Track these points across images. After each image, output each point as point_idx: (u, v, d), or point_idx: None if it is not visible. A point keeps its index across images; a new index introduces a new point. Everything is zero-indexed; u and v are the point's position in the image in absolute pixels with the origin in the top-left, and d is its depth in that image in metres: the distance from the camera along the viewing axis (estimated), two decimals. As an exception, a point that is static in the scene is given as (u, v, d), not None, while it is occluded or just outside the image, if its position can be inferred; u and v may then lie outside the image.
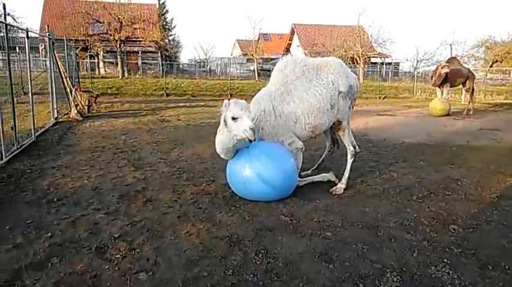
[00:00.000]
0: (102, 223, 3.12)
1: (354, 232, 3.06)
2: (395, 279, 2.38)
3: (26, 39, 6.39)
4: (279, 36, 50.63)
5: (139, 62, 33.78)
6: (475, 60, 33.60)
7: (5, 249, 2.65)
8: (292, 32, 44.25)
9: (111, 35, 25.58)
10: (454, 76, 11.70)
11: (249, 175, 3.45)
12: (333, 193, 3.91)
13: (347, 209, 3.52)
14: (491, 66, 30.12)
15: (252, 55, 32.13)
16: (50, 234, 2.88)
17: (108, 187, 4.07)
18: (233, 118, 3.28)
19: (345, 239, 2.91)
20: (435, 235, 3.02)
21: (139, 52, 33.36)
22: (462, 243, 2.87)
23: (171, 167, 4.92)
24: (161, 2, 46.75)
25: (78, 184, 4.14)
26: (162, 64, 31.05)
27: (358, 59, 30.80)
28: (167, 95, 18.16)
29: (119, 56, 26.46)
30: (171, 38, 48.36)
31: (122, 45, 26.40)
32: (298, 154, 3.85)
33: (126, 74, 26.75)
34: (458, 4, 76.05)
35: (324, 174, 4.17)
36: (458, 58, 21.78)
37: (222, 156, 3.64)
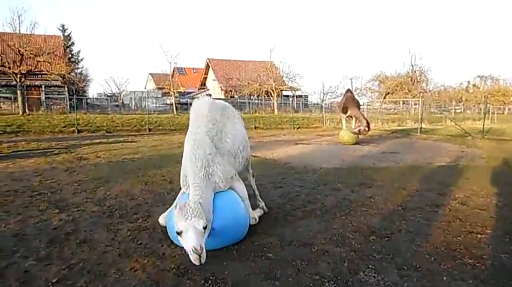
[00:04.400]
0: (34, 270, 2.90)
1: (291, 250, 3.34)
2: (332, 287, 2.69)
3: None
4: (194, 71, 51.43)
5: (43, 96, 31.14)
6: (371, 92, 38.38)
7: None
8: (207, 67, 45.41)
9: (9, 67, 23.36)
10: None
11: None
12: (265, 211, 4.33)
13: (282, 231, 3.81)
14: (384, 98, 34.63)
15: (169, 89, 32.00)
16: (-27, 288, 2.61)
17: (33, 232, 3.76)
18: (177, 233, 2.74)
19: (285, 258, 3.16)
20: (359, 245, 3.45)
21: (43, 86, 30.85)
22: (381, 250, 3.34)
23: (100, 206, 4.72)
24: (66, 34, 44.44)
25: (-6, 232, 3.75)
26: (70, 99, 29.11)
27: (271, 92, 32.79)
28: (79, 131, 17.07)
29: (19, 91, 24.13)
30: (78, 71, 45.88)
31: (23, 79, 24.24)
32: (240, 182, 3.91)
33: (27, 110, 24.40)
34: (356, 42, 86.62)
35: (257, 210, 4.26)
36: (358, 90, 24.58)
37: None
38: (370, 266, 3.02)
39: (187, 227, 2.60)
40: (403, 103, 35.19)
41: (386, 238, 3.64)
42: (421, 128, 17.68)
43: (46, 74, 25.33)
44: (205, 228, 2.71)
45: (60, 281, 2.74)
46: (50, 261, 3.07)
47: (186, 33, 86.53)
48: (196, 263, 2.60)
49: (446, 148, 11.76)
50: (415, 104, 30.61)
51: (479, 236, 3.71)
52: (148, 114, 21.46)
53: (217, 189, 3.49)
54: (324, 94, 38.80)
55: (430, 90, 40.25)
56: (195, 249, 2.53)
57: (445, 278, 2.82)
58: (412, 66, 39.15)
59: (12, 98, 27.49)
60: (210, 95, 37.56)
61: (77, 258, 3.13)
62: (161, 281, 2.75)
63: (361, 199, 5.11)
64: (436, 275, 2.87)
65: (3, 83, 26.92)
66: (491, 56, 74.08)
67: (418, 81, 38.47)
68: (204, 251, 2.65)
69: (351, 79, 37.08)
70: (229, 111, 4.12)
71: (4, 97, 29.38)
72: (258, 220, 3.93)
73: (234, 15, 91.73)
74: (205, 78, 47.04)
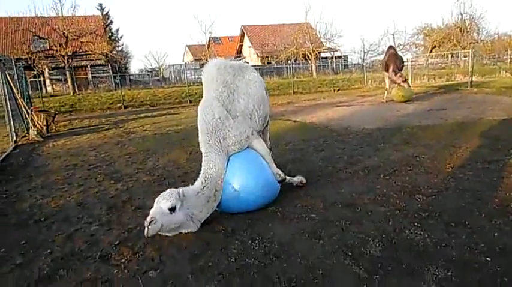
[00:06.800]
0: (98, 234, 3.21)
1: (335, 211, 3.39)
2: (377, 245, 2.72)
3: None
4: (230, 39, 50.89)
5: (89, 76, 32.65)
6: (416, 47, 35.99)
7: (8, 270, 2.69)
8: (243, 34, 44.79)
9: (56, 50, 24.57)
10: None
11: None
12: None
13: (325, 193, 3.86)
14: (430, 52, 32.42)
15: (206, 60, 32.07)
16: (49, 250, 2.94)
17: (93, 201, 4.12)
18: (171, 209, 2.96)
19: (329, 218, 3.22)
20: (404, 204, 3.42)
21: (88, 66, 32.28)
22: (428, 208, 3.29)
23: (150, 175, 5.02)
24: (104, 13, 45.39)
25: (61, 202, 4.14)
26: (114, 77, 30.30)
27: (309, 55, 31.89)
28: (125, 107, 17.85)
29: (67, 72, 25.49)
30: (118, 49, 47.08)
31: (70, 61, 25.45)
32: (259, 139, 3.83)
33: (77, 90, 25.77)
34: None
35: (299, 176, 4.14)
36: (401, 46, 23.13)
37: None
38: (416, 224, 3.00)
39: (154, 207, 2.97)
40: (452, 56, 32.71)
41: (433, 196, 3.57)
42: (471, 81, 16.51)
43: (90, 54, 26.37)
44: (171, 209, 2.95)
45: (121, 243, 3.01)
46: (111, 226, 3.38)
47: (219, 1, 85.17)
48: (145, 233, 2.78)
49: (500, 101, 10.95)
50: (465, 57, 28.35)
51: (535, 191, 3.52)
52: (188, 86, 21.82)
53: (231, 151, 3.55)
54: (365, 53, 36.94)
55: (481, 40, 36.92)
56: (146, 221, 2.79)
57: (496, 234, 2.75)
58: (461, 14, 35.89)
59: (63, 80, 29.11)
60: (247, 63, 37.28)
61: (134, 223, 3.41)
62: (211, 241, 2.93)
63: (406, 158, 4.99)
64: (486, 231, 2.80)
65: (53, 65, 28.41)
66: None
67: (467, 31, 35.36)
68: (155, 226, 2.80)
69: (393, 35, 34.70)
70: (244, 71, 3.94)
71: (56, 79, 31.16)
72: (283, 176, 3.83)
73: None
74: (241, 46, 46.57)
